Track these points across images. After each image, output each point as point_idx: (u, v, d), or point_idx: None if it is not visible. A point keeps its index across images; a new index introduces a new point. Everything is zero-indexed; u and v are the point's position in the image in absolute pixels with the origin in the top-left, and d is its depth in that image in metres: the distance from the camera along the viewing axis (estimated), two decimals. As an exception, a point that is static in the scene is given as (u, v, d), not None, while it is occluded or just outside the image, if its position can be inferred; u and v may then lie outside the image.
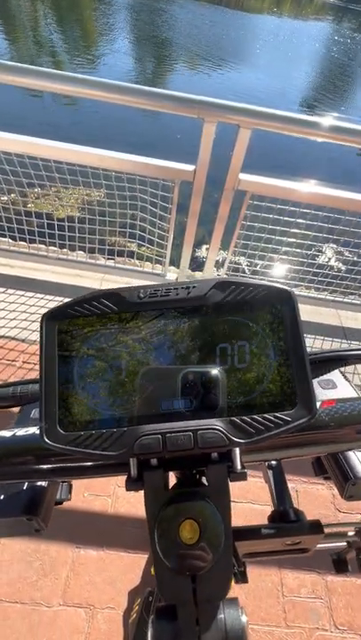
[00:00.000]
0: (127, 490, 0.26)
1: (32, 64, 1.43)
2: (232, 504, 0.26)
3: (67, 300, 0.28)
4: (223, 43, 17.33)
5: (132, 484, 0.26)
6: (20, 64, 1.38)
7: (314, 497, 1.36)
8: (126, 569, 1.16)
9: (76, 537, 1.20)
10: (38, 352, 0.27)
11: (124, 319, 0.27)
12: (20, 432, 0.31)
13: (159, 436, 0.25)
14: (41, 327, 0.27)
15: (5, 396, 0.38)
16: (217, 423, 0.25)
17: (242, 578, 0.39)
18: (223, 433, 0.25)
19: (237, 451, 0.26)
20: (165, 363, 0.27)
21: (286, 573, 1.20)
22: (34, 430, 0.31)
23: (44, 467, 0.29)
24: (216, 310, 0.27)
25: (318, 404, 0.30)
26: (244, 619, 0.25)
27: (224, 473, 0.26)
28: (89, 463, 0.30)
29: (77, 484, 1.31)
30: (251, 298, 0.27)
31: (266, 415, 0.25)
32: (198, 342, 0.27)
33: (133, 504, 1.28)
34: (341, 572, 0.45)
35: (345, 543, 0.46)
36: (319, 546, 0.39)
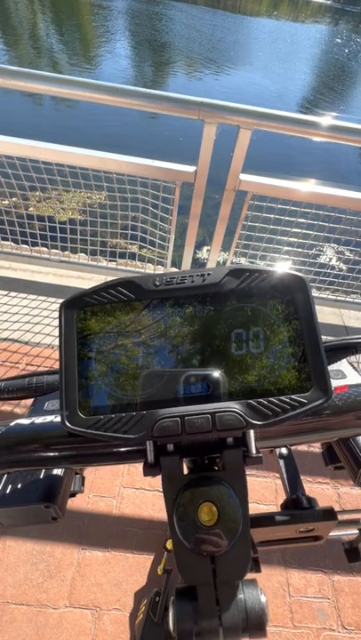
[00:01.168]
0: (145, 475, 0.27)
1: (32, 68, 1.44)
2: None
3: None
4: (224, 45, 17.46)
5: (149, 470, 0.26)
6: (20, 68, 1.39)
7: (319, 496, 1.35)
8: (132, 570, 1.16)
9: (82, 538, 1.20)
10: (58, 340, 0.27)
11: (141, 307, 0.28)
12: (39, 420, 0.31)
13: (178, 418, 0.25)
14: (60, 315, 0.28)
15: (21, 387, 0.38)
16: (234, 406, 0.26)
17: (255, 566, 0.39)
18: (240, 415, 0.25)
19: (252, 435, 0.27)
20: (182, 350, 0.27)
21: (293, 573, 1.19)
22: (51, 418, 0.31)
23: (62, 454, 0.30)
24: (230, 297, 0.28)
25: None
26: (263, 598, 0.25)
27: (240, 457, 0.27)
28: (106, 450, 0.30)
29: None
30: (264, 284, 0.28)
31: (282, 398, 0.26)
32: (213, 329, 0.27)
33: (138, 505, 1.28)
34: (353, 562, 0.45)
35: (357, 531, 0.46)
36: (332, 534, 0.39)
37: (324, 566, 1.21)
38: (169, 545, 1.07)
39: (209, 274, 0.28)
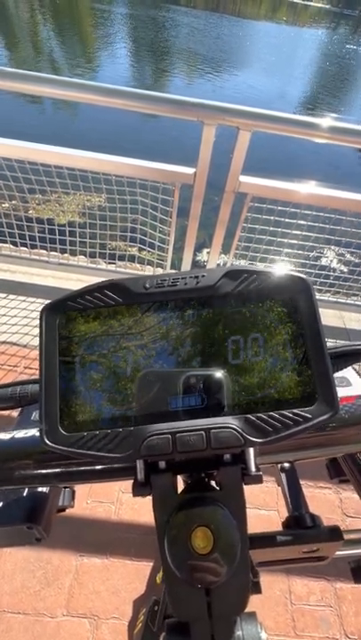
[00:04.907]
0: (134, 495, 0.24)
1: (33, 70, 1.43)
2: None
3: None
4: (225, 48, 17.60)
5: (139, 489, 0.24)
6: (20, 70, 1.38)
7: (321, 501, 1.33)
8: (131, 577, 1.13)
9: (80, 545, 1.18)
10: (38, 348, 0.25)
11: (129, 311, 0.25)
12: (20, 434, 0.29)
13: (169, 435, 0.23)
14: (40, 320, 0.25)
15: (4, 397, 0.36)
16: (231, 421, 0.23)
17: (255, 589, 0.37)
18: (238, 432, 0.23)
19: (252, 451, 0.25)
20: (173, 358, 0.25)
21: (295, 580, 1.17)
22: (34, 432, 0.29)
23: (45, 471, 0.27)
24: (227, 301, 0.25)
25: None
26: (263, 636, 0.23)
27: (238, 476, 0.24)
28: (93, 467, 0.28)
29: (80, 489, 1.29)
30: (264, 287, 0.25)
31: (284, 412, 0.23)
32: (208, 335, 0.25)
33: (138, 510, 1.26)
34: (360, 582, 0.43)
35: None
36: (338, 553, 0.37)
37: (326, 574, 1.19)
38: None
39: (203, 275, 0.26)
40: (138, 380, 0.25)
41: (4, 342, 1.72)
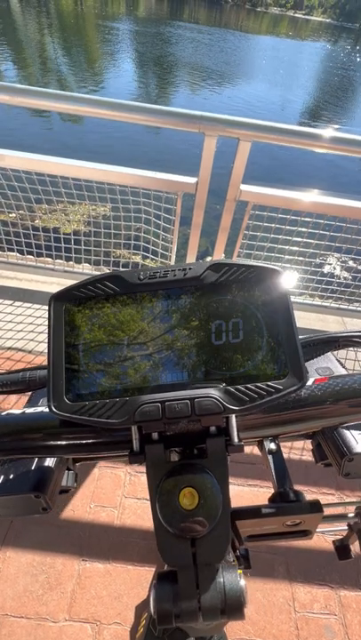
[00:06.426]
0: (130, 463, 0.27)
1: (41, 86, 1.49)
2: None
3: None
4: (230, 61, 17.98)
5: (134, 457, 0.27)
6: (29, 86, 1.45)
7: (324, 508, 1.32)
8: (133, 583, 1.13)
9: (82, 549, 1.19)
10: (47, 332, 0.29)
11: (126, 299, 0.29)
12: (29, 410, 0.32)
13: (158, 404, 0.26)
14: (49, 307, 0.29)
15: (15, 381, 0.40)
16: (213, 392, 0.27)
17: (245, 563, 0.39)
18: (218, 401, 0.26)
19: (234, 424, 0.28)
20: (166, 339, 0.28)
21: (298, 587, 1.16)
22: (42, 409, 0.32)
23: (52, 442, 0.31)
24: (211, 290, 0.29)
25: (312, 381, 0.32)
26: (242, 582, 0.26)
27: (222, 445, 0.27)
28: (94, 440, 0.31)
29: (83, 493, 1.30)
30: (243, 278, 0.29)
31: (259, 384, 0.27)
32: (194, 320, 0.29)
33: (140, 515, 1.26)
34: (344, 559, 0.45)
35: (346, 526, 0.46)
36: (321, 529, 0.39)
37: (330, 581, 1.18)
38: None
39: (190, 268, 0.29)
40: (132, 359, 0.28)
41: (9, 348, 1.75)
